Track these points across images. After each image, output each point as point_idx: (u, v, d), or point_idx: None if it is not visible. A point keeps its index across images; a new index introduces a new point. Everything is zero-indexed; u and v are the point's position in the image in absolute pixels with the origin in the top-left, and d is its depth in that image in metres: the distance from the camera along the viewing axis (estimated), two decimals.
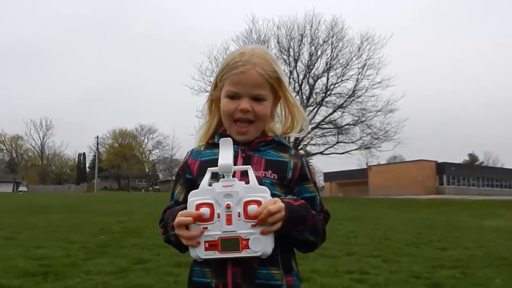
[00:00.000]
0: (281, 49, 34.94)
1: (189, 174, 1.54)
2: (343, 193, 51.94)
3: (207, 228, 1.26)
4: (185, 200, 1.47)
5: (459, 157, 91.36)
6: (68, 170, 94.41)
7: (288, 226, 1.30)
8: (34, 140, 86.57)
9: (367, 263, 6.78)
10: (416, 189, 45.92)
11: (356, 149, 36.28)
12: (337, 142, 36.26)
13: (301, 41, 35.06)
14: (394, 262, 6.90)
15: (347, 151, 36.36)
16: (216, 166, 1.41)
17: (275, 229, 1.26)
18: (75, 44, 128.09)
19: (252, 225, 1.25)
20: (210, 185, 1.31)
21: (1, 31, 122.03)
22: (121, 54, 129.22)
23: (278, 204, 1.26)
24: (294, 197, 1.42)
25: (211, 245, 1.26)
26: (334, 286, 5.23)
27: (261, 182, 1.39)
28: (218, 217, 1.26)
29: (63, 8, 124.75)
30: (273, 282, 1.36)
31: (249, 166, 1.36)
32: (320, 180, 63.29)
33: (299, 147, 32.73)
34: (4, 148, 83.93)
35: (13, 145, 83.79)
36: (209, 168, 1.35)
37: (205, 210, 1.26)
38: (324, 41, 34.86)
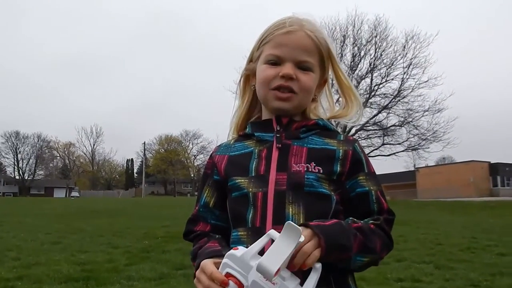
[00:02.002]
0: None
1: (217, 175, 1.28)
2: (390, 196, 50.49)
3: None
4: (218, 206, 1.27)
5: None
6: (117, 176, 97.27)
7: (327, 257, 1.00)
8: (85, 147, 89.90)
9: (419, 270, 6.38)
10: (467, 191, 44.00)
11: (402, 151, 35.04)
12: (383, 144, 35.26)
13: (344, 42, 34.40)
14: (449, 269, 6.46)
15: (394, 153, 35.23)
16: (247, 160, 1.20)
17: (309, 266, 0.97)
18: (121, 57, 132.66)
19: None
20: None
21: (52, 44, 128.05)
22: (164, 64, 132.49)
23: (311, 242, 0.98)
24: (321, 219, 1.07)
25: None
26: None
27: (303, 178, 1.13)
28: None
29: (112, 23, 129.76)
30: None
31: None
32: None
33: None
34: (58, 155, 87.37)
35: (66, 152, 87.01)
36: (267, 235, 1.00)
37: (232, 287, 0.98)
38: (368, 41, 34.06)
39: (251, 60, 1.31)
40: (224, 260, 1.00)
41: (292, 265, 0.96)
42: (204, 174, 1.35)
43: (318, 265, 0.97)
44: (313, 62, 1.23)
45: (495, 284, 5.48)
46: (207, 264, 1.03)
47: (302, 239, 0.95)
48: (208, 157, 1.37)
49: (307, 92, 1.23)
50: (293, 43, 1.20)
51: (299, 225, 0.98)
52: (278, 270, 0.92)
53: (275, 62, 1.21)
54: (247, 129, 1.30)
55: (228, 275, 0.98)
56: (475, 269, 6.45)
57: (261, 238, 0.99)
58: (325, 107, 1.35)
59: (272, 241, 0.97)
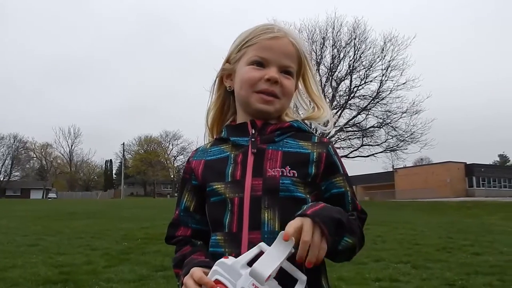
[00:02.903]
0: None
1: (195, 180, 1.29)
2: (369, 197, 51.08)
3: None
4: (198, 210, 1.28)
5: (489, 158, 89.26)
6: (95, 177, 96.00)
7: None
8: (63, 147, 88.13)
9: (397, 270, 6.49)
10: (444, 191, 44.81)
11: (381, 152, 35.53)
12: (362, 145, 35.65)
13: (323, 44, 34.66)
14: (425, 269, 6.59)
15: (372, 154, 35.67)
16: (224, 165, 1.22)
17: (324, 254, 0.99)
18: (100, 60, 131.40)
19: None
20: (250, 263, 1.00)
21: (31, 46, 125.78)
22: (145, 66, 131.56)
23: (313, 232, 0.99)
24: (311, 203, 1.10)
25: None
26: None
27: (278, 183, 1.15)
28: None
29: (94, 26, 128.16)
30: None
31: None
32: None
33: None
34: (35, 156, 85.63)
35: (43, 153, 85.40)
36: (259, 246, 1.02)
37: None
38: (347, 43, 34.39)
39: (227, 61, 1.33)
40: (214, 267, 1.02)
41: (308, 263, 0.97)
42: (183, 178, 1.36)
43: (304, 278, 1.01)
44: (294, 67, 1.27)
45: (470, 283, 5.60)
46: (197, 270, 1.05)
47: (293, 250, 0.98)
48: (186, 161, 1.38)
49: (288, 97, 1.27)
50: (279, 48, 1.23)
51: (297, 216, 1.01)
52: (269, 275, 0.95)
53: (260, 64, 1.24)
54: (223, 133, 1.31)
55: (217, 281, 0.99)
56: (451, 268, 6.59)
57: (251, 249, 1.02)
58: (301, 110, 1.38)
59: (262, 252, 1.00)
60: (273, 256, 0.97)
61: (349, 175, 1.31)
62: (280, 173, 1.17)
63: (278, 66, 1.23)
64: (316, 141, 1.26)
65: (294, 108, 1.39)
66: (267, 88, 1.22)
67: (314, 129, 1.41)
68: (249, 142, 1.23)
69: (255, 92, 1.23)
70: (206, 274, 1.02)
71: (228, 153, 1.26)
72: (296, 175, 1.17)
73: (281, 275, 0.99)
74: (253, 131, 1.26)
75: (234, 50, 1.30)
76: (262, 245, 1.01)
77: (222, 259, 1.02)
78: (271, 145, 1.23)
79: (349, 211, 1.22)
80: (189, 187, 1.31)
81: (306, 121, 1.36)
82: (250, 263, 1.00)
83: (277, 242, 0.98)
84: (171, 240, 1.32)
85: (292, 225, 0.98)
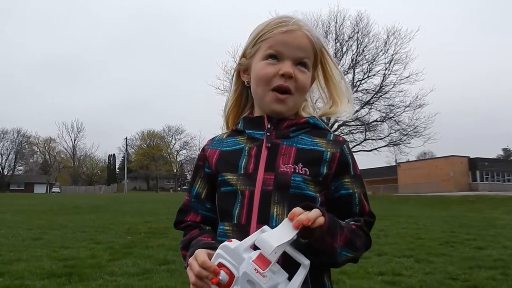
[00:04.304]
0: None
1: (208, 168, 1.31)
2: (372, 191, 51.02)
3: None
4: (209, 198, 1.29)
5: (493, 152, 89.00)
6: (99, 171, 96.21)
7: (325, 235, 1.03)
8: (66, 142, 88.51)
9: (399, 264, 6.50)
10: (447, 186, 44.69)
11: (384, 146, 35.44)
12: (365, 139, 35.55)
13: (326, 37, 34.43)
14: (428, 263, 6.59)
15: (375, 148, 35.57)
16: (237, 157, 1.23)
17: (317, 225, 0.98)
18: (103, 58, 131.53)
19: None
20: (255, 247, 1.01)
21: (35, 44, 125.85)
22: (147, 60, 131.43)
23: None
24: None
25: None
26: None
27: (289, 179, 1.16)
28: None
29: (96, 24, 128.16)
30: None
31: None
32: None
33: None
34: (38, 150, 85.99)
35: (46, 148, 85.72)
36: (261, 231, 1.03)
37: (223, 276, 1.00)
38: (350, 37, 34.23)
39: (243, 55, 1.33)
40: (218, 250, 1.03)
41: (307, 219, 0.96)
42: (196, 165, 1.37)
43: (307, 262, 1.00)
44: (309, 60, 1.26)
45: (473, 277, 5.61)
46: (200, 252, 1.06)
47: (295, 236, 0.98)
48: (201, 149, 1.39)
49: (303, 91, 1.26)
50: (293, 42, 1.22)
51: (302, 206, 1.01)
52: (276, 249, 0.95)
53: (275, 58, 1.23)
54: (239, 125, 1.32)
55: (221, 265, 1.01)
56: (453, 262, 6.59)
57: (255, 232, 1.02)
58: (321, 103, 1.38)
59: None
60: (280, 234, 0.97)
61: None
62: (292, 170, 1.18)
63: (293, 60, 1.23)
64: (331, 139, 1.27)
65: (312, 97, 1.38)
66: (282, 83, 1.22)
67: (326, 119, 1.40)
68: (264, 136, 1.24)
69: (270, 90, 1.23)
70: (211, 255, 1.04)
71: (243, 145, 1.27)
72: (308, 173, 1.18)
73: (283, 262, 1.00)
74: (269, 125, 1.26)
75: (249, 44, 1.31)
76: (266, 229, 1.02)
77: (226, 243, 1.03)
78: (285, 141, 1.24)
79: (356, 214, 1.23)
80: (202, 174, 1.33)
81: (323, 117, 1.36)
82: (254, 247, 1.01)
83: (283, 224, 0.99)
84: (180, 225, 1.34)
85: (300, 207, 1.01)
